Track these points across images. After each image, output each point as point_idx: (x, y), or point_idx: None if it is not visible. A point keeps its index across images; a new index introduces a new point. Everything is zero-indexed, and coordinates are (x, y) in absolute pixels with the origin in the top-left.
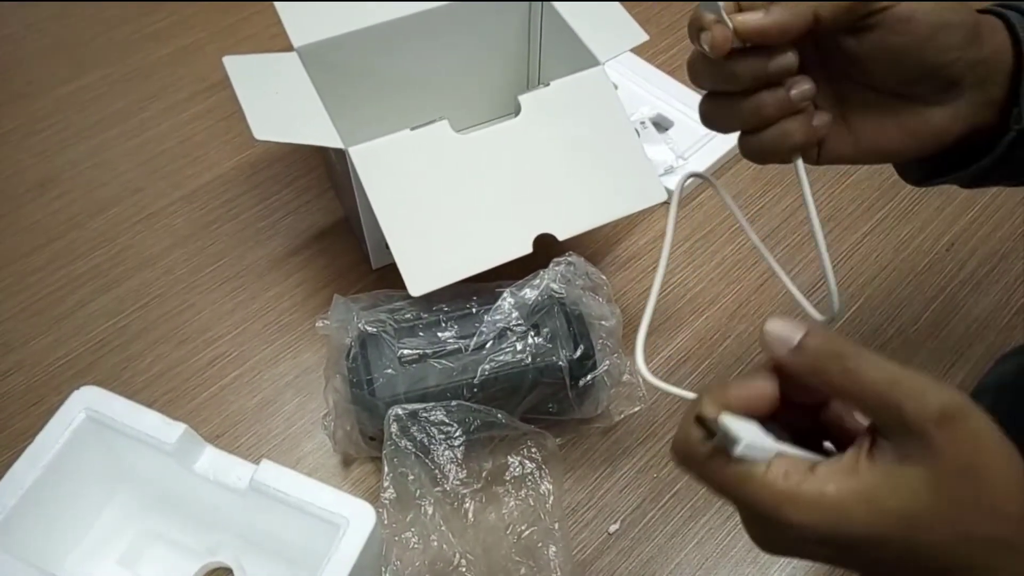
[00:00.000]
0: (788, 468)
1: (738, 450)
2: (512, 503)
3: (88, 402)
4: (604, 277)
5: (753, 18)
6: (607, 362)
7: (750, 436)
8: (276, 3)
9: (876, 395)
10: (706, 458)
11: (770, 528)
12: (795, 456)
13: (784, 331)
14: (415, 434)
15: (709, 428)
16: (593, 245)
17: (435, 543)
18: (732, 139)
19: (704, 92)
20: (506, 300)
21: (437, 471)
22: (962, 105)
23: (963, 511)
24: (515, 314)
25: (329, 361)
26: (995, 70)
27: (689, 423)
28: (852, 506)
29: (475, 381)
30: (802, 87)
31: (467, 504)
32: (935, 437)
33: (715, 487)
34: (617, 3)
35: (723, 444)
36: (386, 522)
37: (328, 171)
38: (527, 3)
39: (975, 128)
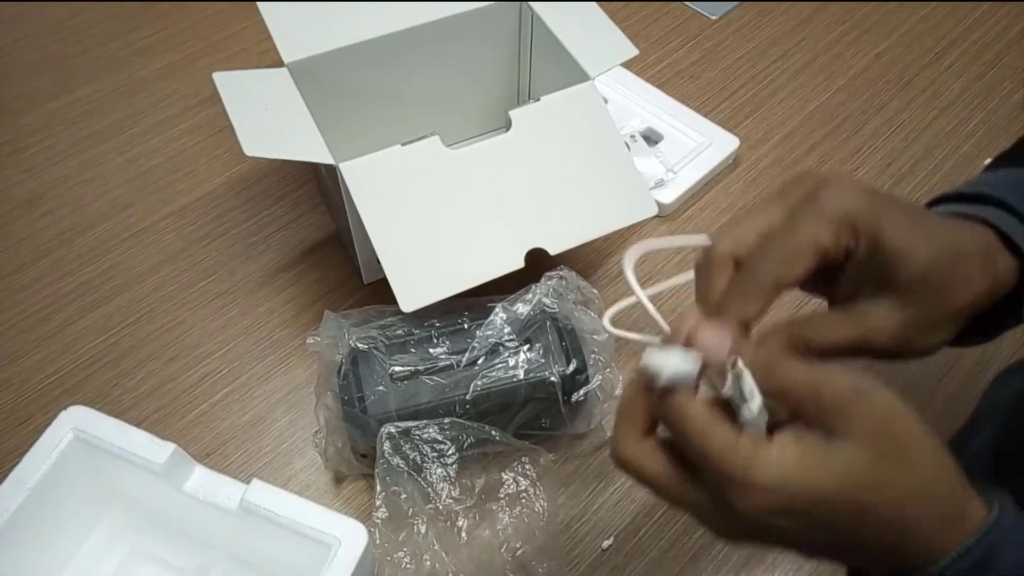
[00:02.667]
0: (753, 433)
1: (664, 376)
2: (506, 520)
3: (76, 422)
4: (596, 291)
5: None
6: (599, 377)
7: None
8: (266, 18)
9: (798, 390)
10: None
11: (736, 499)
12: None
13: (719, 338)
14: (407, 452)
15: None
16: (584, 259)
17: (428, 562)
18: (721, 153)
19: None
20: (498, 315)
21: (430, 489)
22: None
23: (887, 469)
24: (507, 329)
25: (320, 378)
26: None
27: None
28: (809, 464)
29: (467, 397)
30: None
31: (460, 522)
32: (852, 408)
33: (688, 437)
34: (607, 18)
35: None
36: (378, 541)
37: (319, 186)
38: (517, 20)
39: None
